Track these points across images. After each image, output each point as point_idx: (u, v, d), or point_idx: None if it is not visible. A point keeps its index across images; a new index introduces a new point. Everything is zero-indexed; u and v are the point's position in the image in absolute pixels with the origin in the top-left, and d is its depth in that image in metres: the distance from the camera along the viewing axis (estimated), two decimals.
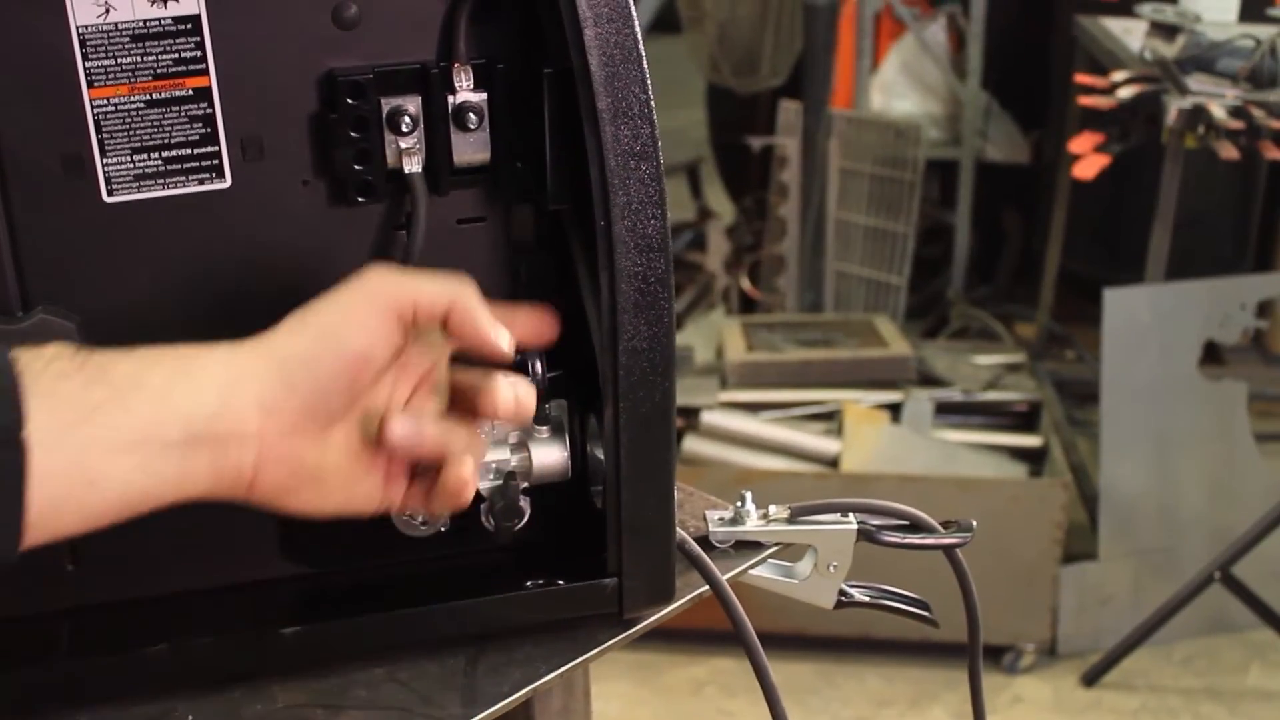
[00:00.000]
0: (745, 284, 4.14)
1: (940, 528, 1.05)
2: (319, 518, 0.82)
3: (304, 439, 0.78)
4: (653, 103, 0.84)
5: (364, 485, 0.82)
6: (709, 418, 3.11)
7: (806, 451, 3.06)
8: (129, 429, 0.71)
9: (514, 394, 0.84)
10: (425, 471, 0.85)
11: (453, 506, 0.84)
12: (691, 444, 3.06)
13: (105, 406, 0.71)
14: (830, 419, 3.17)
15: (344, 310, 0.79)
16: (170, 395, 0.73)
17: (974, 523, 1.05)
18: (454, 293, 0.81)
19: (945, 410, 3.23)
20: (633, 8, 0.83)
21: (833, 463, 3.02)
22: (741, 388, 3.25)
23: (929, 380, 3.35)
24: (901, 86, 4.13)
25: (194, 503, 0.88)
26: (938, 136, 4.09)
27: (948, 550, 1.06)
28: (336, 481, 0.80)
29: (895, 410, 3.20)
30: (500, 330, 0.81)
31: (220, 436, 0.74)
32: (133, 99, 0.85)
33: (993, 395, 3.29)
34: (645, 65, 0.84)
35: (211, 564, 0.96)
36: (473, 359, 0.84)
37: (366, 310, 0.78)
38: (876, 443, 3.05)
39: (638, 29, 0.84)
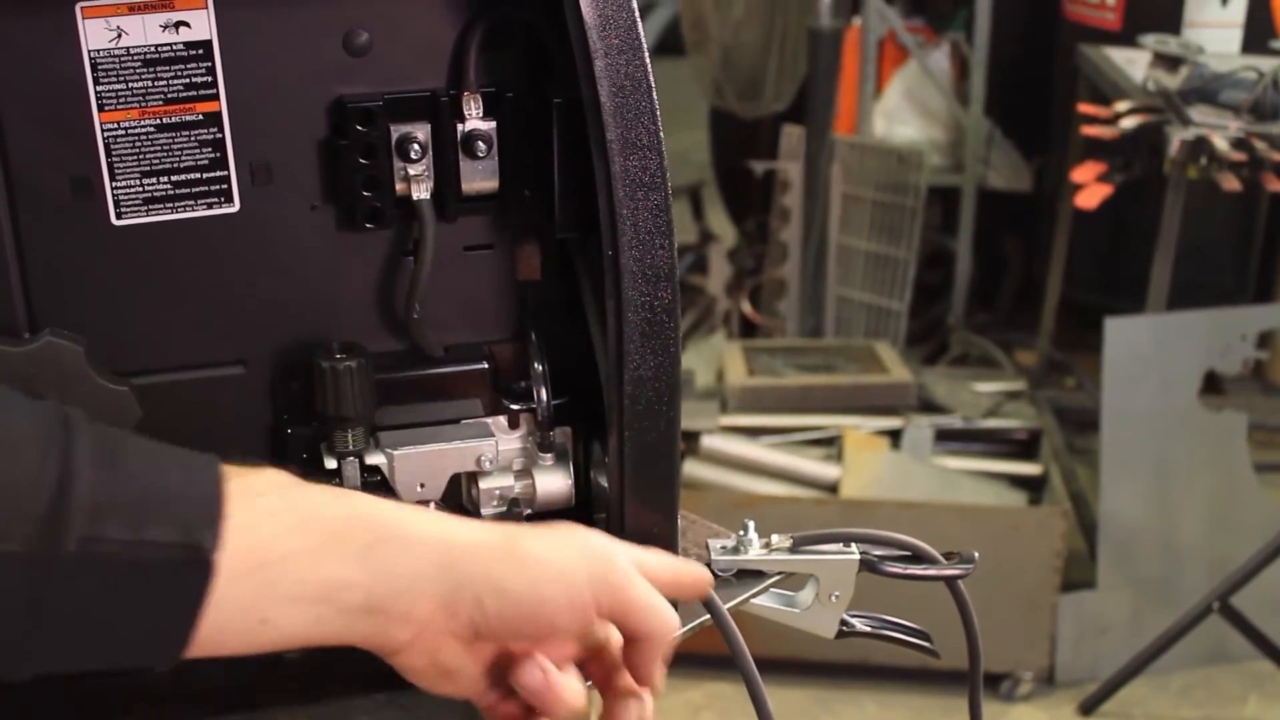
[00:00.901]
0: (746, 308, 4.14)
1: (942, 559, 1.05)
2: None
3: (458, 644, 0.76)
4: (662, 134, 0.85)
5: (479, 688, 0.80)
6: (709, 442, 3.11)
7: (806, 477, 3.06)
8: (315, 585, 0.70)
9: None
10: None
11: None
12: (691, 468, 3.06)
13: (300, 556, 0.69)
14: (830, 444, 3.17)
15: (566, 581, 0.75)
16: (366, 563, 0.71)
17: (976, 554, 1.05)
18: (656, 628, 0.78)
19: (945, 437, 3.23)
20: (643, 40, 0.84)
21: (832, 488, 3.02)
22: (742, 412, 3.25)
23: (929, 407, 3.35)
24: (904, 113, 4.15)
25: None
26: (940, 163, 4.10)
27: (949, 581, 1.06)
28: (462, 679, 0.78)
29: (895, 436, 3.20)
30: (661, 672, 0.81)
31: (394, 615, 0.72)
32: (143, 123, 0.86)
33: (993, 423, 3.29)
34: (655, 97, 0.84)
35: None
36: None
37: (583, 595, 0.76)
38: (876, 469, 3.05)
39: (648, 61, 0.84)
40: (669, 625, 0.79)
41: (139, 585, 0.66)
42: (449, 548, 0.73)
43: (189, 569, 0.66)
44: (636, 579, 0.77)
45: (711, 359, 3.56)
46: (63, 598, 0.65)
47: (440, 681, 0.77)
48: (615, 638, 0.80)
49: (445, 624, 0.73)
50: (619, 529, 0.92)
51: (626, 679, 0.81)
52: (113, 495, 0.65)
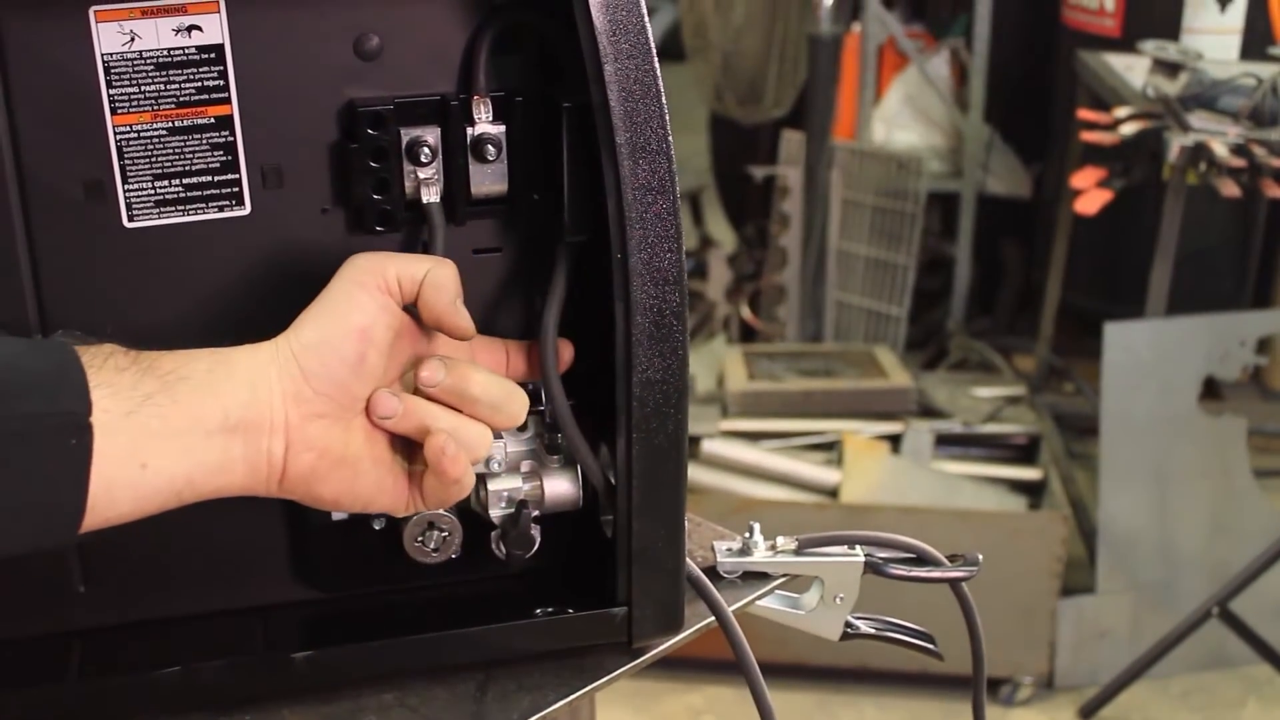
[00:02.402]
0: (746, 313, 4.15)
1: (946, 561, 1.06)
2: (351, 509, 0.88)
3: (329, 424, 0.83)
4: (670, 138, 0.86)
5: (389, 478, 0.86)
6: (710, 446, 3.12)
7: (806, 481, 3.07)
8: (176, 417, 0.77)
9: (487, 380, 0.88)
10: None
11: (442, 492, 0.86)
12: (692, 472, 3.07)
13: (156, 396, 0.77)
14: (830, 449, 3.18)
15: (340, 294, 0.83)
16: (210, 386, 0.79)
17: (979, 556, 1.06)
18: (429, 266, 0.85)
19: (945, 442, 3.24)
20: (653, 45, 0.85)
21: (833, 493, 3.03)
22: (742, 417, 3.26)
23: (929, 412, 3.36)
24: (904, 119, 4.16)
25: (207, 524, 0.90)
26: (939, 169, 4.11)
27: (953, 584, 1.07)
28: (363, 468, 0.84)
29: (895, 441, 3.21)
30: (462, 310, 0.86)
31: (253, 424, 0.80)
32: (155, 126, 0.86)
33: (992, 428, 3.30)
34: (664, 101, 0.85)
35: (223, 587, 0.97)
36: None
37: (358, 289, 0.83)
38: (876, 473, 3.06)
39: (657, 66, 0.85)
40: (439, 261, 0.86)
41: (25, 460, 0.73)
42: (260, 350, 0.82)
43: (69, 434, 0.73)
44: (400, 257, 0.86)
45: (712, 364, 3.57)
46: None
47: (356, 482, 0.84)
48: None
49: (302, 410, 0.81)
50: (626, 531, 0.93)
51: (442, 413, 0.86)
52: None
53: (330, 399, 0.82)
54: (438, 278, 0.85)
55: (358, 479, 0.84)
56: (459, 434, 0.86)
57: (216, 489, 0.81)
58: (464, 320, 0.86)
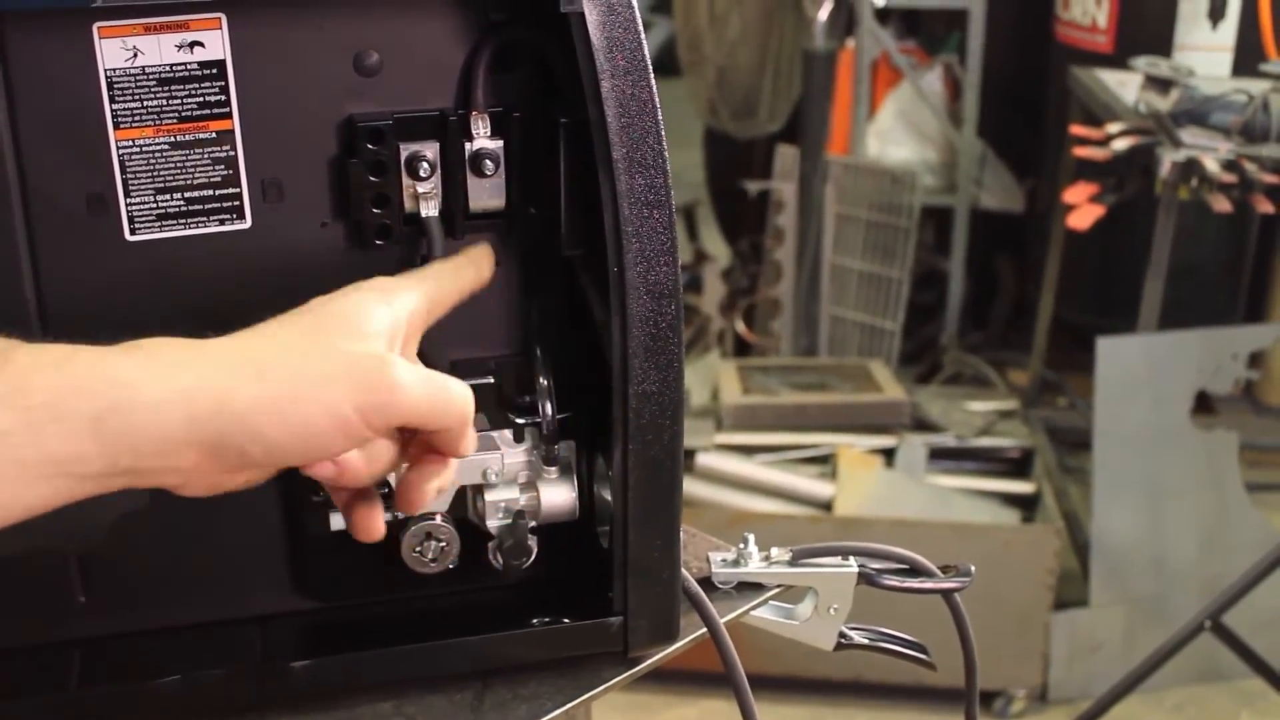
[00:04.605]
0: (740, 327, 4.16)
1: (939, 572, 1.07)
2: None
3: (236, 474, 0.74)
4: (666, 153, 0.87)
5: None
6: (704, 459, 3.13)
7: (801, 495, 3.07)
8: (42, 463, 0.66)
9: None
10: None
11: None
12: (687, 485, 3.05)
13: (14, 436, 0.65)
14: (825, 463, 3.19)
15: (321, 417, 0.72)
16: (99, 434, 0.67)
17: (973, 567, 1.07)
18: (447, 423, 0.78)
19: (938, 455, 3.25)
20: (649, 62, 0.86)
21: (827, 506, 3.03)
22: (737, 430, 3.27)
23: (923, 425, 3.37)
24: (898, 134, 4.17)
25: (206, 534, 0.90)
26: (933, 184, 4.13)
27: (946, 595, 1.08)
28: (258, 476, 0.76)
29: (889, 455, 3.22)
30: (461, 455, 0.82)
31: (153, 471, 0.70)
32: (157, 140, 0.87)
33: (986, 441, 3.31)
34: (660, 117, 0.86)
35: (222, 597, 0.97)
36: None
37: (349, 422, 0.73)
38: (870, 487, 3.06)
39: (653, 82, 0.86)
40: (459, 413, 0.77)
41: None
42: (191, 403, 0.68)
43: None
44: (408, 390, 0.74)
45: (706, 377, 3.58)
46: None
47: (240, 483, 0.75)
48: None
49: (215, 467, 0.71)
50: (622, 541, 0.93)
51: (425, 451, 0.81)
52: None
53: (251, 465, 0.73)
54: (454, 425, 0.78)
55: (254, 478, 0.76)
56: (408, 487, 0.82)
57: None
58: (468, 449, 0.81)
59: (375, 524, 0.82)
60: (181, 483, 0.72)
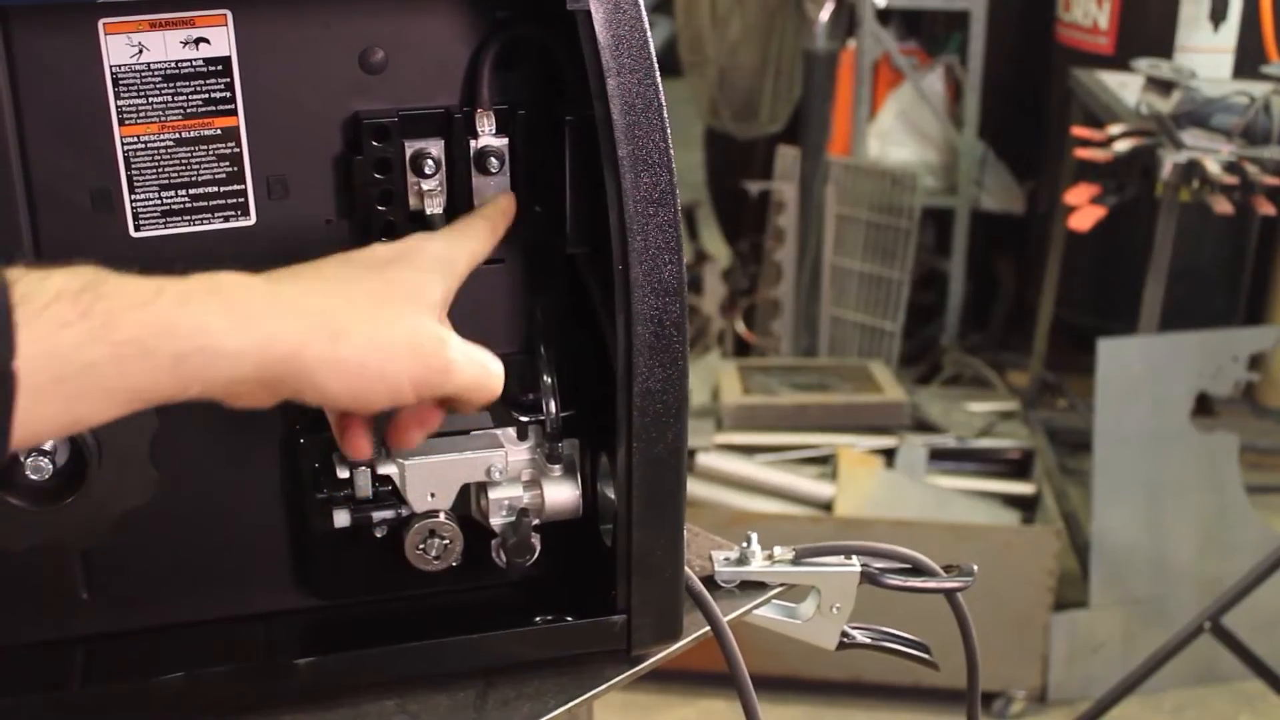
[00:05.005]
0: (740, 327, 4.16)
1: (941, 571, 1.07)
2: None
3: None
4: (671, 151, 0.87)
5: None
6: (705, 459, 3.13)
7: (801, 495, 3.07)
8: (125, 391, 0.71)
9: None
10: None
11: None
12: (687, 485, 3.07)
13: (102, 367, 0.69)
14: (825, 463, 3.19)
15: (379, 380, 0.79)
16: (178, 372, 0.72)
17: (975, 567, 1.07)
18: (480, 399, 0.85)
19: (939, 456, 3.25)
20: (654, 60, 0.86)
21: (827, 506, 3.03)
22: (737, 430, 3.27)
23: (923, 426, 3.36)
24: (898, 135, 4.17)
25: (210, 531, 0.91)
26: (933, 185, 4.13)
27: (949, 594, 1.08)
28: None
29: (889, 455, 3.22)
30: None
31: (216, 395, 0.75)
32: (162, 137, 0.87)
33: (986, 442, 3.31)
34: (665, 115, 0.86)
35: (226, 594, 0.97)
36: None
37: (400, 389, 0.81)
38: (870, 487, 3.06)
39: (659, 81, 0.86)
40: (495, 391, 0.84)
41: None
42: (265, 356, 0.74)
43: None
44: (459, 372, 0.82)
45: (706, 377, 3.58)
46: None
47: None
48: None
49: (269, 397, 0.77)
50: (626, 539, 0.93)
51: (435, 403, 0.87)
52: None
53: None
54: (485, 402, 0.85)
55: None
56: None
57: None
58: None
59: (365, 445, 0.87)
60: (233, 401, 0.76)
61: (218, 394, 0.75)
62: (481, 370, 0.83)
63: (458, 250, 0.87)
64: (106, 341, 0.69)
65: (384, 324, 0.79)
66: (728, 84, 4.17)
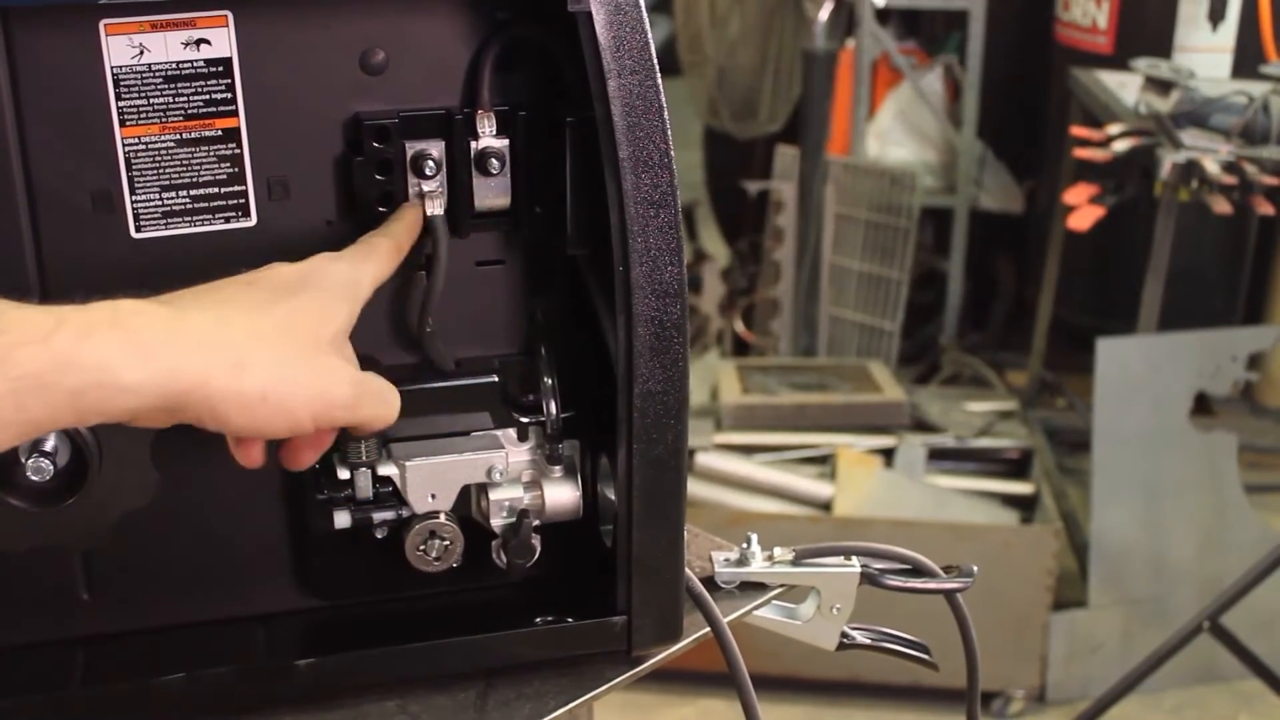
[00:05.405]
0: (739, 327, 4.16)
1: (941, 572, 1.07)
2: None
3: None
4: (672, 153, 0.87)
5: None
6: (703, 459, 3.13)
7: (800, 495, 3.07)
8: (20, 423, 0.71)
9: None
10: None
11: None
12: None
13: (46, 391, 0.70)
14: (824, 463, 3.19)
15: (279, 415, 0.79)
16: (76, 405, 0.72)
17: (975, 568, 1.07)
18: (377, 426, 0.86)
19: (938, 456, 3.25)
20: (655, 61, 0.86)
21: (826, 506, 3.04)
22: (736, 430, 3.27)
23: (922, 426, 3.37)
24: (898, 134, 4.17)
25: (210, 532, 0.91)
26: (933, 184, 4.13)
27: (949, 595, 1.08)
28: None
29: (888, 455, 3.22)
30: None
31: (118, 419, 0.75)
32: (163, 138, 0.87)
33: (985, 442, 3.31)
34: (666, 116, 0.86)
35: (226, 595, 0.97)
36: None
37: (301, 422, 0.81)
38: (869, 487, 3.07)
39: (659, 81, 0.86)
40: (389, 420, 0.85)
41: None
42: (167, 390, 0.74)
43: None
44: (358, 408, 0.83)
45: (705, 377, 3.58)
46: None
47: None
48: None
49: (167, 422, 0.77)
50: (626, 540, 0.94)
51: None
52: None
53: None
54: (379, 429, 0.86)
55: None
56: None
57: None
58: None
59: (258, 455, 0.86)
60: (132, 424, 0.76)
61: (118, 420, 0.74)
62: (379, 402, 0.85)
63: (362, 273, 0.86)
64: (2, 378, 0.69)
65: (287, 359, 0.79)
66: (727, 83, 4.17)
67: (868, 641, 1.10)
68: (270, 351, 0.79)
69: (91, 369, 0.71)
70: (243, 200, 0.89)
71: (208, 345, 0.76)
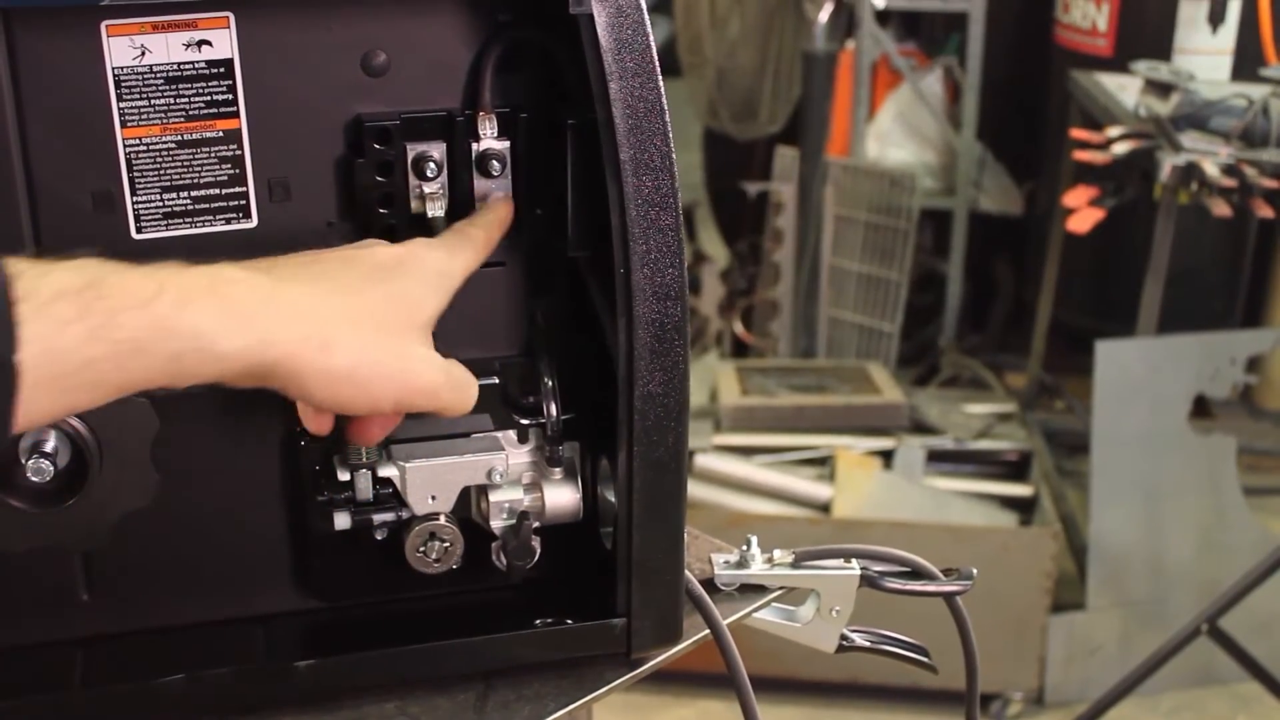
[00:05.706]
0: (738, 328, 4.16)
1: (940, 575, 1.07)
2: None
3: None
4: (674, 155, 0.87)
5: None
6: (703, 461, 3.13)
7: (799, 496, 3.07)
8: (118, 384, 0.73)
9: None
10: None
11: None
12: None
13: (99, 364, 0.71)
14: (823, 464, 3.19)
15: (362, 394, 0.82)
16: (171, 369, 0.74)
17: (974, 570, 1.07)
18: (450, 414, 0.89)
19: (936, 458, 3.25)
20: (657, 64, 0.86)
21: (825, 508, 3.04)
22: (735, 431, 3.27)
23: (921, 428, 3.37)
24: (897, 136, 4.18)
25: (210, 533, 0.91)
26: (932, 186, 4.13)
27: (948, 597, 1.08)
28: None
29: (887, 457, 3.22)
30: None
31: (207, 381, 0.76)
32: (164, 139, 0.87)
33: (984, 444, 3.31)
34: (667, 118, 0.86)
35: (226, 596, 0.97)
36: None
37: (380, 403, 0.84)
38: (868, 489, 3.07)
39: (661, 84, 0.86)
40: (468, 407, 0.88)
41: None
42: (257, 358, 0.76)
43: None
44: (441, 396, 0.86)
45: (705, 378, 3.58)
46: None
47: None
48: None
49: (256, 384, 0.79)
50: (626, 542, 0.94)
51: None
52: None
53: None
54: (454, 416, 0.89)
55: None
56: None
57: None
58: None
59: (327, 425, 0.89)
60: (218, 384, 0.78)
61: (207, 382, 0.77)
62: (459, 391, 0.87)
63: (455, 263, 0.88)
64: (106, 340, 0.71)
65: (376, 343, 0.82)
66: (727, 85, 4.17)
67: (867, 644, 1.10)
68: (361, 334, 0.81)
69: (188, 336, 0.74)
70: (244, 201, 0.89)
71: (301, 319, 0.79)
